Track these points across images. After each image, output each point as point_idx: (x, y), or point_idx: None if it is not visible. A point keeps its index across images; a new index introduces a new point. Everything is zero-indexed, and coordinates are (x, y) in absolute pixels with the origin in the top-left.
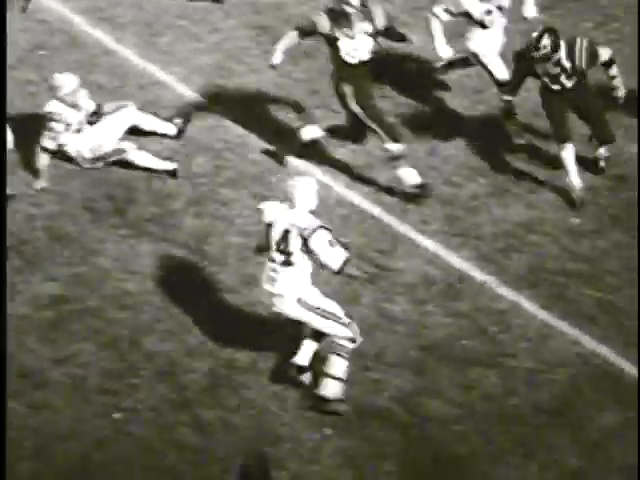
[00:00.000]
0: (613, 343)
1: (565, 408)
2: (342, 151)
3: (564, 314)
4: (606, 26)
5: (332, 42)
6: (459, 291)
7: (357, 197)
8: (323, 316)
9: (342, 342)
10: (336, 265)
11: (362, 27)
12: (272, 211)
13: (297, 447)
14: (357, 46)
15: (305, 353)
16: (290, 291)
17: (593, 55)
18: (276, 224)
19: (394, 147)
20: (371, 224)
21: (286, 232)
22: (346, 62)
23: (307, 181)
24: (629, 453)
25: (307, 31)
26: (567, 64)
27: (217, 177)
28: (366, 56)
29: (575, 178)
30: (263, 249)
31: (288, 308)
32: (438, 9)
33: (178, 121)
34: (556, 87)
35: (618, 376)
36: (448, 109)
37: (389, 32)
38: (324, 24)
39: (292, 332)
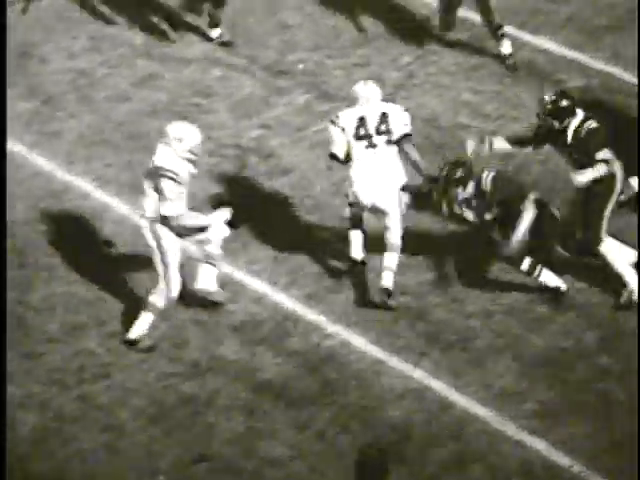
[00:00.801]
0: (445, 376)
1: (400, 443)
2: None
3: (395, 349)
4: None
5: None
6: (289, 330)
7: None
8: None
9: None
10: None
11: None
12: (354, 111)
13: None
14: None
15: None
16: (393, 176)
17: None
18: (369, 113)
19: None
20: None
21: (384, 114)
22: None
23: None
24: None
25: None
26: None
27: (40, 225)
28: None
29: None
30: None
31: (385, 194)
32: None
33: None
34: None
35: (451, 410)
36: None
37: None
38: None
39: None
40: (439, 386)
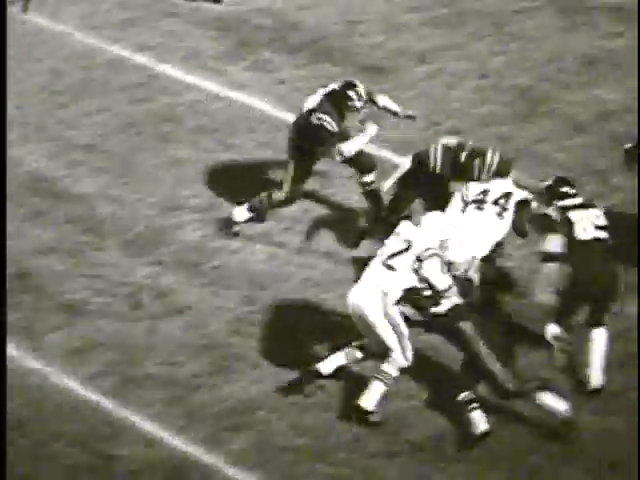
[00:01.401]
0: None
1: None
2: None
3: None
4: None
5: None
6: (185, 475)
7: (73, 383)
8: None
9: None
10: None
11: None
12: (483, 185)
13: None
14: None
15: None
16: (478, 243)
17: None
18: (495, 188)
19: None
20: (89, 411)
21: (508, 194)
22: None
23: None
24: None
25: None
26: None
27: None
28: None
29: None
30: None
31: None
32: None
33: None
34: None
35: None
36: None
37: None
38: None
39: None
40: None
